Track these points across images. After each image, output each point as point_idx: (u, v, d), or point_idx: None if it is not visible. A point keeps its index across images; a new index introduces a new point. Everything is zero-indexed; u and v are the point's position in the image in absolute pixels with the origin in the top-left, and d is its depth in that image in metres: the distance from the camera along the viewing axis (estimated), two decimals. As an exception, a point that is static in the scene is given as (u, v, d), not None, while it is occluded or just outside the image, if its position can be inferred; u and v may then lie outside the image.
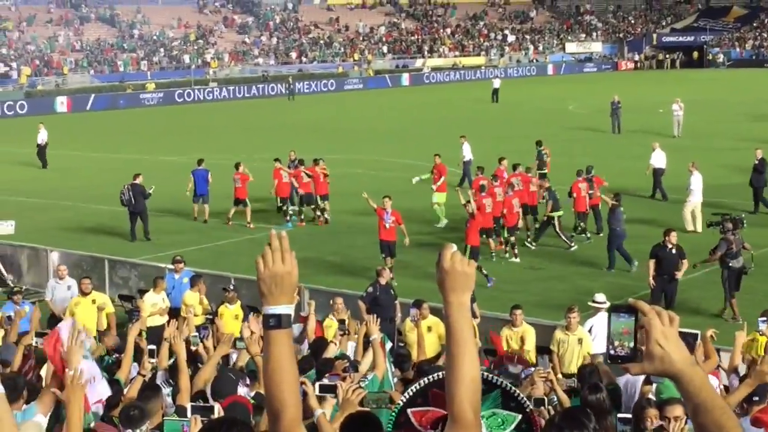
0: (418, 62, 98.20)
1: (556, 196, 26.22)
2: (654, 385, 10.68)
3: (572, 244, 25.83)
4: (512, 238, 25.44)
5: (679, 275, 19.67)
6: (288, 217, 29.77)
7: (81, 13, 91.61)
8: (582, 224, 26.68)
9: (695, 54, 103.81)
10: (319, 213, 29.79)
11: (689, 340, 10.88)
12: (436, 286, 3.61)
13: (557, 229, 26.07)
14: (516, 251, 25.34)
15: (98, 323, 17.46)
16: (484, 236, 23.96)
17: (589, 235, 26.48)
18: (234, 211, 29.77)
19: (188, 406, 8.25)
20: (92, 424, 8.25)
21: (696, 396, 2.89)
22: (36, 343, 11.12)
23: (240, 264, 22.53)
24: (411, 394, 4.19)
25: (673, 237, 19.83)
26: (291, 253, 3.48)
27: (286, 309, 3.43)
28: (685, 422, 7.83)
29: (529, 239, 26.44)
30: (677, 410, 7.91)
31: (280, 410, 3.37)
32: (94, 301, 17.96)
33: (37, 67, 79.76)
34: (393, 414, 4.14)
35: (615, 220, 23.88)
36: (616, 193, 25.27)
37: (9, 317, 15.76)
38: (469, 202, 23.59)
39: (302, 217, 29.77)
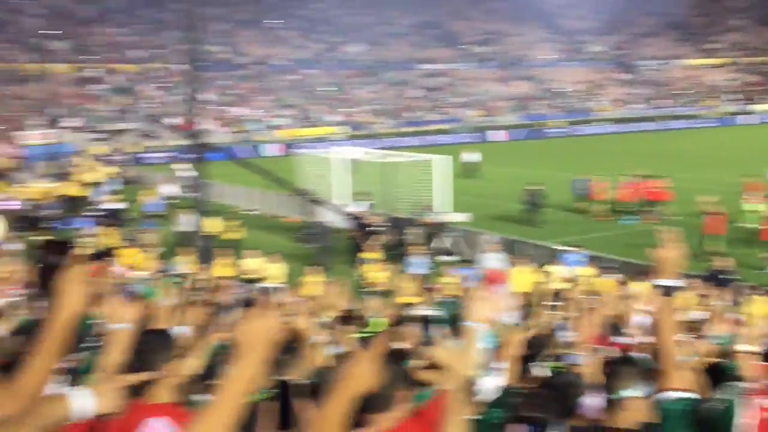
0: (757, 107, 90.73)
1: None
2: None
3: None
4: None
5: None
6: (630, 216, 29.01)
7: (510, 74, 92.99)
8: None
9: None
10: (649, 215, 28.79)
11: None
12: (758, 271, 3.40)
13: None
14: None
15: (526, 286, 17.61)
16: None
17: None
18: (598, 209, 29.63)
19: (585, 347, 8.17)
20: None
21: None
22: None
23: (612, 249, 22.12)
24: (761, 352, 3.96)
25: None
26: (678, 243, 3.41)
27: (674, 282, 3.36)
28: None
29: None
30: None
31: (666, 354, 3.31)
32: (524, 271, 18.24)
33: (483, 111, 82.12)
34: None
35: None
36: None
37: (466, 277, 16.48)
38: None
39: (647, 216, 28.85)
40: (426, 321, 6.59)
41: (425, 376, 3.58)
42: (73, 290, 2.54)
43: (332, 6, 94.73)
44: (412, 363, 3.58)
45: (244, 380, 2.17)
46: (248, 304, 9.95)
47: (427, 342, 4.55)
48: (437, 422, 3.04)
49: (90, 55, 73.16)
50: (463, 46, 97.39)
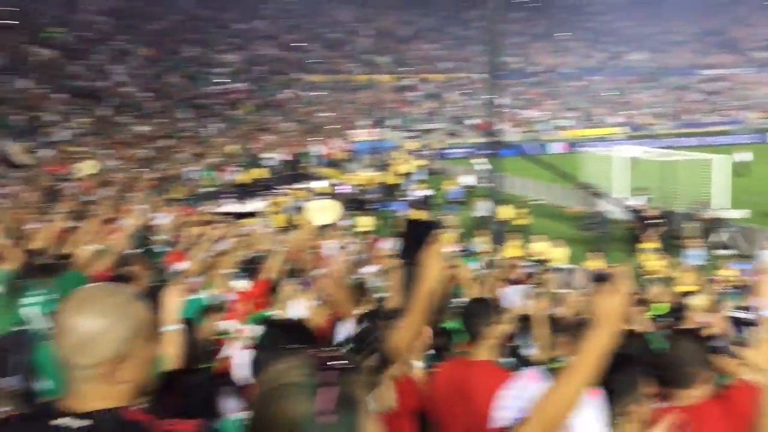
0: None
1: None
2: None
3: None
4: None
5: None
6: None
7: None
8: None
9: None
10: None
11: None
12: None
13: None
14: None
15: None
16: None
17: None
18: None
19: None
20: None
21: None
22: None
23: None
24: None
25: None
26: None
27: None
28: None
29: None
30: None
31: None
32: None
33: (765, 113, 74.16)
34: None
35: None
36: None
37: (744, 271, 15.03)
38: None
39: None
40: (739, 322, 6.11)
41: (730, 366, 3.34)
42: (434, 264, 2.68)
43: (617, 18, 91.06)
44: (715, 350, 3.35)
45: (598, 349, 2.15)
46: (601, 279, 9.86)
47: (740, 342, 4.24)
48: (741, 412, 2.80)
49: (407, 67, 76.73)
50: (744, 52, 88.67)
